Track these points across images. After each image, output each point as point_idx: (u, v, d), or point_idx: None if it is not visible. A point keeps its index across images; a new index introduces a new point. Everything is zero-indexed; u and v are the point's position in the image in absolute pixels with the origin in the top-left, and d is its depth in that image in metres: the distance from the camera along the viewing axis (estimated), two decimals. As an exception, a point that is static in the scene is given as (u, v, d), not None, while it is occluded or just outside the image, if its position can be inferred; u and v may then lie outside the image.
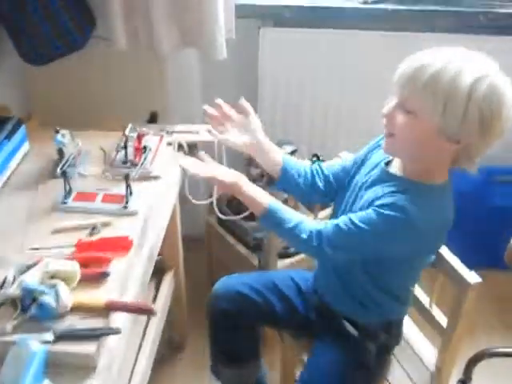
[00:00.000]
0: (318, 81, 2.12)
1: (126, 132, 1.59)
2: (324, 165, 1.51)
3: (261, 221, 1.35)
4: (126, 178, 1.39)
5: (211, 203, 1.81)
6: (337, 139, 2.18)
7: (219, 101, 1.46)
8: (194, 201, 1.76)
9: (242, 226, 2.03)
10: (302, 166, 1.49)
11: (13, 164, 1.53)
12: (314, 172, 1.48)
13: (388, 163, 1.34)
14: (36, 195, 1.47)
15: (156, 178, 1.53)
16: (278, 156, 1.46)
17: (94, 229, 1.35)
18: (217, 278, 1.62)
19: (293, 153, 1.89)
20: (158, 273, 1.87)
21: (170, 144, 1.66)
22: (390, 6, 1.99)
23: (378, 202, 1.24)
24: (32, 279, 1.16)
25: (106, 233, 1.35)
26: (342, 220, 1.27)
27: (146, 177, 1.51)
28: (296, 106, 2.17)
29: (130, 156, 1.52)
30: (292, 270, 1.72)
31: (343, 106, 2.15)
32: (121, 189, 1.43)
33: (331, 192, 1.47)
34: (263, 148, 1.45)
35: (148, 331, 1.68)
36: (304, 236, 1.28)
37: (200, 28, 1.80)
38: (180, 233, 1.90)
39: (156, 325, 1.72)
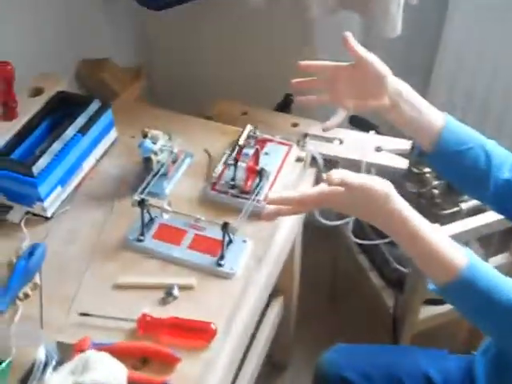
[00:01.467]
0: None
1: (241, 140, 1.14)
2: None
3: (447, 289, 0.81)
4: (224, 227, 0.96)
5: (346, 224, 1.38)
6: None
7: (304, 63, 1.01)
8: (325, 221, 1.32)
9: (382, 252, 1.55)
10: (481, 140, 0.97)
11: (89, 162, 1.15)
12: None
13: None
14: (108, 217, 1.08)
15: (270, 217, 1.08)
16: (435, 116, 0.96)
17: (169, 293, 0.95)
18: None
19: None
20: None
21: (299, 160, 1.18)
22: None
23: None
24: (59, 390, 0.79)
25: (184, 301, 0.95)
26: None
27: (257, 215, 1.07)
28: (483, 99, 1.58)
29: (240, 180, 1.07)
30: (426, 353, 1.22)
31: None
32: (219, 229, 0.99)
33: None
34: (405, 100, 0.95)
35: (249, 358, 1.33)
36: None
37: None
38: (299, 257, 1.46)
39: (258, 355, 1.37)
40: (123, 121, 1.24)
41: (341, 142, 1.23)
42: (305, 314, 1.71)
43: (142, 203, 1.00)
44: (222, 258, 0.99)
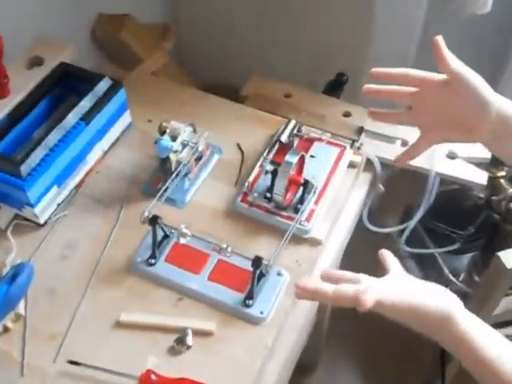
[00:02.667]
0: None
1: (283, 137, 0.91)
2: None
3: None
4: (256, 264, 0.75)
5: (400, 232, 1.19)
6: None
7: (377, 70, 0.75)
8: (374, 228, 1.12)
9: (437, 262, 1.33)
10: None
11: (94, 154, 0.94)
12: None
13: None
14: (114, 227, 0.88)
15: (314, 242, 0.86)
16: None
17: (181, 341, 0.75)
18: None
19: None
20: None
21: (353, 166, 0.96)
22: None
23: None
24: None
25: (199, 351, 0.75)
26: None
27: (299, 239, 0.85)
28: None
29: (278, 191, 0.85)
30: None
31: None
32: (251, 252, 0.79)
33: None
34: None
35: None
36: None
37: None
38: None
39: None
40: (139, 100, 1.02)
41: (404, 144, 1.00)
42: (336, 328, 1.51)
43: (154, 221, 0.79)
44: (250, 296, 0.78)
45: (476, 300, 1.13)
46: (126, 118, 0.98)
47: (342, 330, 1.54)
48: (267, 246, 0.84)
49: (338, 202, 0.91)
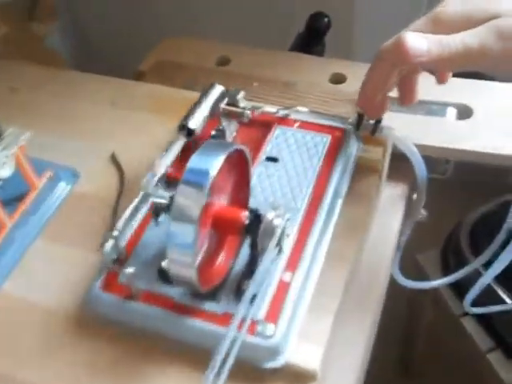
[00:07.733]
0: None
1: (192, 123, 0.38)
2: None
3: None
4: None
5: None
6: None
7: None
8: (406, 282, 0.59)
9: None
10: None
11: None
12: None
13: None
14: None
15: (298, 376, 0.33)
16: None
17: None
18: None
19: None
20: None
21: (369, 171, 0.42)
22: None
23: None
24: None
25: None
26: None
27: (253, 373, 0.32)
28: None
29: (184, 255, 0.32)
30: None
31: None
32: None
33: None
34: None
35: None
36: None
37: None
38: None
39: None
40: None
41: (465, 114, 0.47)
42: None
43: None
44: None
45: None
46: None
47: None
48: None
49: (343, 260, 0.38)
